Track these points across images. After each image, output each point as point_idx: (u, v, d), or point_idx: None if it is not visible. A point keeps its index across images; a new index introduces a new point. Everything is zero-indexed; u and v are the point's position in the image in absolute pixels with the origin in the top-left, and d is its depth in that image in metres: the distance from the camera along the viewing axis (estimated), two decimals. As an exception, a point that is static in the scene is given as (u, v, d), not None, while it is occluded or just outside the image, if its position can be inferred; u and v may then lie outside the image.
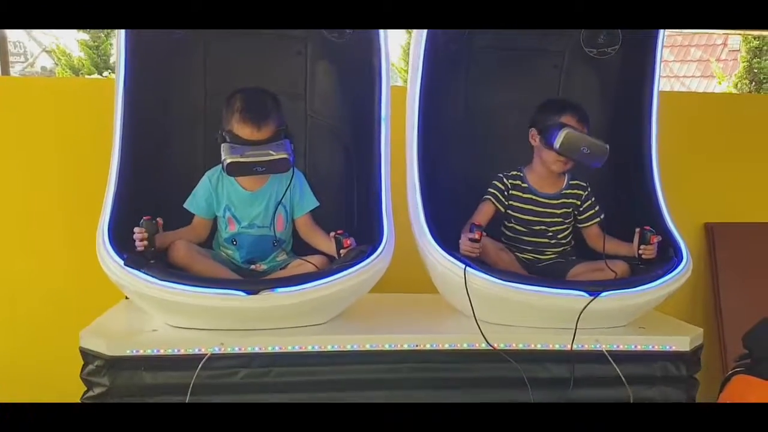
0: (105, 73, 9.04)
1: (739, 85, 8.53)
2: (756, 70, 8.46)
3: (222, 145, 1.99)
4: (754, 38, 8.15)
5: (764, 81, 8.48)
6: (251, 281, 1.90)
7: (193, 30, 2.25)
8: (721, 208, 3.13)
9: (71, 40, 9.64)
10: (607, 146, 2.15)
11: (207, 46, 2.33)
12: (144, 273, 1.79)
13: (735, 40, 9.08)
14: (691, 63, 9.38)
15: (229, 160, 1.96)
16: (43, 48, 10.90)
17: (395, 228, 2.09)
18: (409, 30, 3.85)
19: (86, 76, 8.21)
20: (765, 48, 8.45)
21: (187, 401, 1.77)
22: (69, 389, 1.91)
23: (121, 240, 1.89)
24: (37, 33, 10.85)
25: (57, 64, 9.68)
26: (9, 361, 2.62)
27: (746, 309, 2.31)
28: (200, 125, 2.32)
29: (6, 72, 4.66)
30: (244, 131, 2.00)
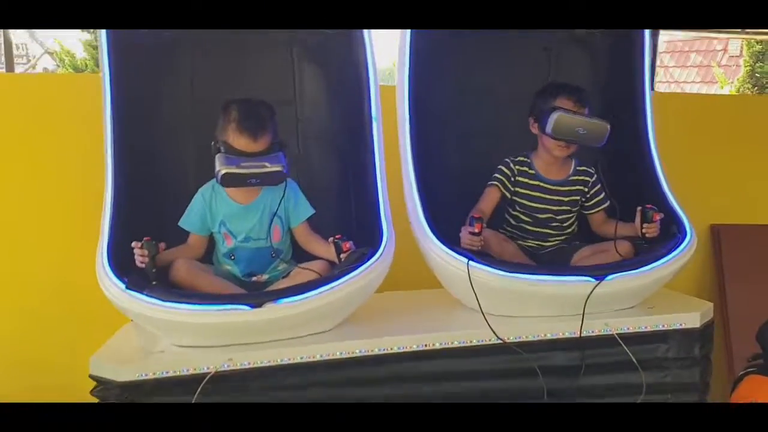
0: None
1: (741, 90, 8.41)
2: (758, 75, 8.32)
3: (216, 155, 1.97)
4: (757, 42, 8.00)
5: (767, 85, 8.33)
6: (254, 295, 1.88)
7: (179, 36, 2.24)
8: (726, 209, 3.12)
9: (75, 41, 9.63)
10: (607, 124, 2.13)
11: (193, 53, 2.30)
12: (146, 295, 1.78)
13: (735, 45, 8.96)
14: (692, 68, 9.30)
15: (224, 171, 1.94)
16: (45, 50, 10.89)
17: (395, 225, 2.07)
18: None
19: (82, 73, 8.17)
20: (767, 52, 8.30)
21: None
22: (75, 386, 1.92)
23: (120, 261, 1.88)
24: (40, 34, 10.85)
25: (59, 66, 9.68)
26: (15, 359, 2.59)
27: (753, 311, 2.29)
28: (189, 134, 2.28)
29: (11, 70, 4.68)
30: (240, 142, 1.98)
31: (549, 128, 2.13)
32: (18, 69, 10.35)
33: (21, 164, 2.57)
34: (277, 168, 1.97)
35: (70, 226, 2.52)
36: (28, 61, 11.42)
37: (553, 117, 2.11)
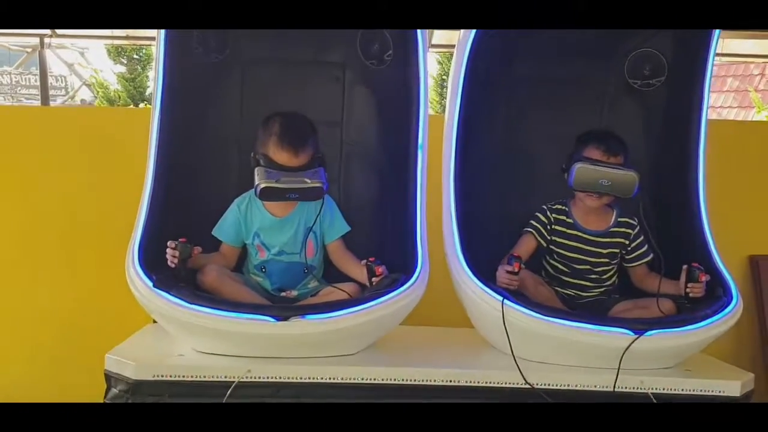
0: (141, 105, 9.31)
1: None
2: (798, 99, 8.15)
3: (256, 168, 1.96)
4: (797, 67, 7.90)
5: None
6: (281, 307, 1.84)
7: (231, 54, 2.27)
8: (766, 240, 2.98)
9: (109, 73, 10.04)
10: (635, 174, 2.05)
11: (244, 71, 2.32)
12: (172, 296, 1.75)
13: (773, 70, 8.76)
14: (728, 93, 9.11)
15: (263, 185, 1.93)
16: (84, 82, 11.31)
17: (429, 259, 2.02)
18: (440, 61, 3.80)
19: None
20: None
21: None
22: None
23: (150, 261, 1.86)
24: (78, 67, 11.31)
25: (96, 97, 10.03)
26: (31, 385, 2.60)
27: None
28: (234, 150, 2.30)
29: (46, 103, 4.88)
30: (281, 157, 1.96)
31: (571, 180, 2.08)
32: (58, 100, 10.78)
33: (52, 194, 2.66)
34: (317, 184, 1.95)
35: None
36: (67, 93, 11.88)
37: (575, 169, 2.06)
